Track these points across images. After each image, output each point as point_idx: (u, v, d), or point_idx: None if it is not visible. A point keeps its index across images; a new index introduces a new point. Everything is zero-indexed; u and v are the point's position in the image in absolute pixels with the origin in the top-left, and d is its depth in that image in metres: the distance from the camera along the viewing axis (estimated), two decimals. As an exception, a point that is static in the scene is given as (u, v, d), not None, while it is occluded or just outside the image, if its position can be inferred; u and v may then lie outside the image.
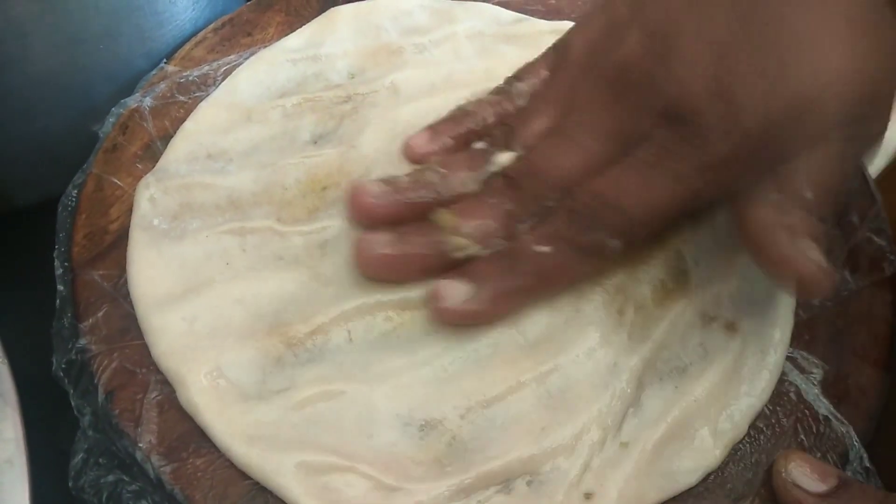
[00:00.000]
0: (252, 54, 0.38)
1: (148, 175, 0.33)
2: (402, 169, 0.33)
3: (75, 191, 0.34)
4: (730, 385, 0.29)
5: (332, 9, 0.39)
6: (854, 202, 0.35)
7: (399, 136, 0.34)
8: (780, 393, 0.30)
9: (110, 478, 0.27)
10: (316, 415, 0.27)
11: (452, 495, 0.26)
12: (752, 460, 0.28)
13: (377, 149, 0.34)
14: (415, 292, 0.30)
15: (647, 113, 0.28)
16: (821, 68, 0.26)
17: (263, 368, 0.28)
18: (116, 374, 0.29)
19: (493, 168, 0.31)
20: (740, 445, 0.29)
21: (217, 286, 0.30)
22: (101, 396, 0.28)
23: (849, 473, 0.28)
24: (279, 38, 0.39)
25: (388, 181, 0.31)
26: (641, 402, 0.29)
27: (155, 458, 0.27)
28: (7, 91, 0.35)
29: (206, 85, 0.37)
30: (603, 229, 0.28)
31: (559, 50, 0.33)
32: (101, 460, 0.28)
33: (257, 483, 0.27)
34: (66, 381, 0.29)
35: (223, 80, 0.37)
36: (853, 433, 0.29)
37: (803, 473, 0.27)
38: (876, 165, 0.37)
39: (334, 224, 0.32)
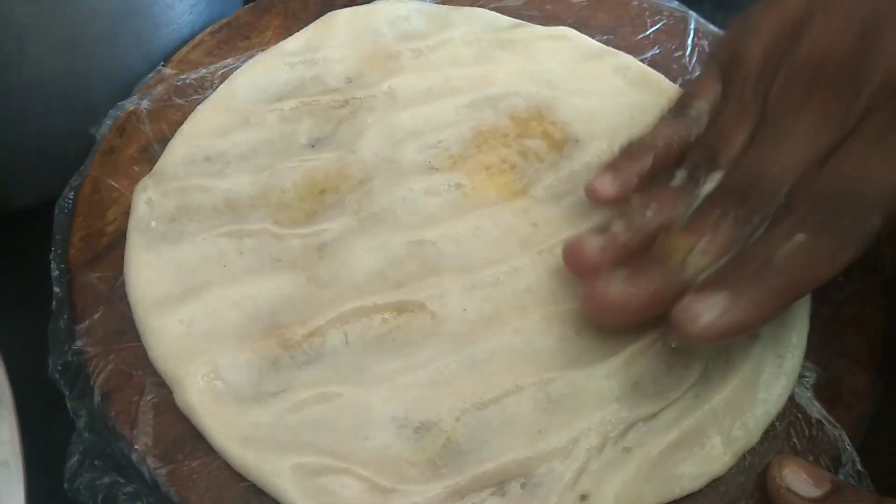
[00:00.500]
0: (249, 58, 0.38)
1: (145, 178, 0.33)
2: (403, 175, 0.33)
3: (72, 193, 0.34)
4: (746, 392, 0.29)
5: (330, 13, 0.40)
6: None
7: (398, 141, 0.34)
8: (773, 397, 0.30)
9: (106, 480, 0.27)
10: (312, 417, 0.28)
11: (447, 497, 0.26)
12: (746, 464, 0.28)
13: (376, 153, 0.34)
14: (411, 295, 0.31)
15: (859, 92, 0.28)
16: None
17: (260, 370, 0.29)
18: (112, 376, 0.29)
19: (703, 192, 0.29)
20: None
21: (214, 289, 0.30)
22: (97, 398, 0.28)
23: (841, 477, 0.28)
24: (277, 42, 0.39)
25: (602, 231, 0.29)
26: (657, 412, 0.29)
27: (151, 461, 0.27)
28: (4, 93, 0.35)
29: (203, 88, 0.37)
30: (857, 207, 0.26)
31: (730, 59, 0.31)
32: (96, 462, 0.28)
33: (253, 485, 0.27)
34: (62, 382, 0.29)
35: (220, 83, 0.37)
36: (846, 437, 0.29)
37: (797, 478, 0.27)
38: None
39: (332, 227, 0.32)
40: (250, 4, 0.41)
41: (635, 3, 0.42)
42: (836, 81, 0.28)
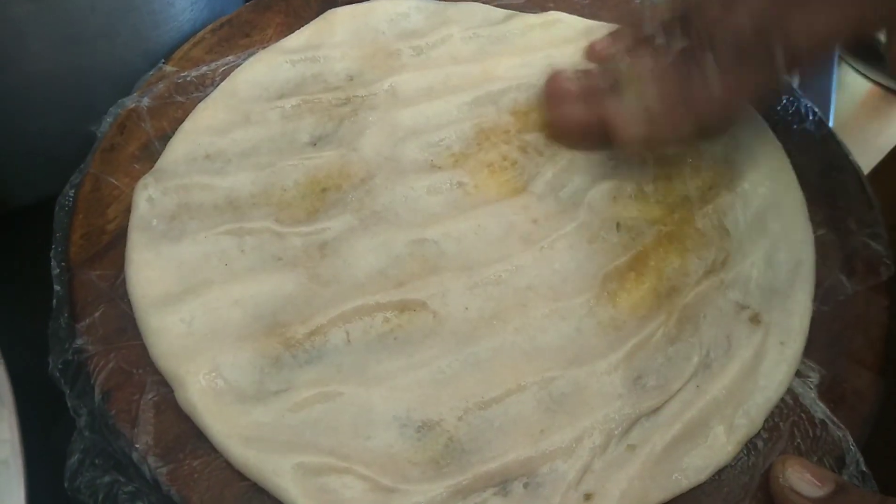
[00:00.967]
0: (250, 55, 0.38)
1: (146, 175, 0.33)
2: (405, 174, 0.33)
3: (72, 191, 0.34)
4: (748, 380, 0.30)
5: (330, 11, 0.39)
6: (851, 208, 0.35)
7: (400, 140, 0.34)
8: (777, 397, 0.30)
9: (106, 479, 0.27)
10: (313, 416, 0.27)
11: (449, 496, 0.26)
12: (749, 463, 0.28)
13: (378, 152, 0.34)
14: (413, 294, 0.30)
15: None
16: None
17: (262, 369, 0.28)
18: (113, 375, 0.29)
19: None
20: (737, 448, 0.29)
21: (215, 287, 0.30)
22: (97, 397, 0.28)
23: (845, 477, 0.28)
24: (278, 40, 0.39)
25: (581, 71, 0.36)
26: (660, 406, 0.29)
27: (151, 460, 0.27)
28: (4, 91, 0.35)
29: (203, 85, 0.37)
30: (763, 44, 0.30)
31: None
32: (97, 461, 0.28)
33: (254, 484, 0.27)
34: (63, 381, 0.29)
35: (221, 80, 0.37)
36: (849, 437, 0.29)
37: (801, 478, 0.27)
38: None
39: (334, 225, 0.32)
40: (252, 2, 0.41)
41: (637, 0, 0.42)
42: None
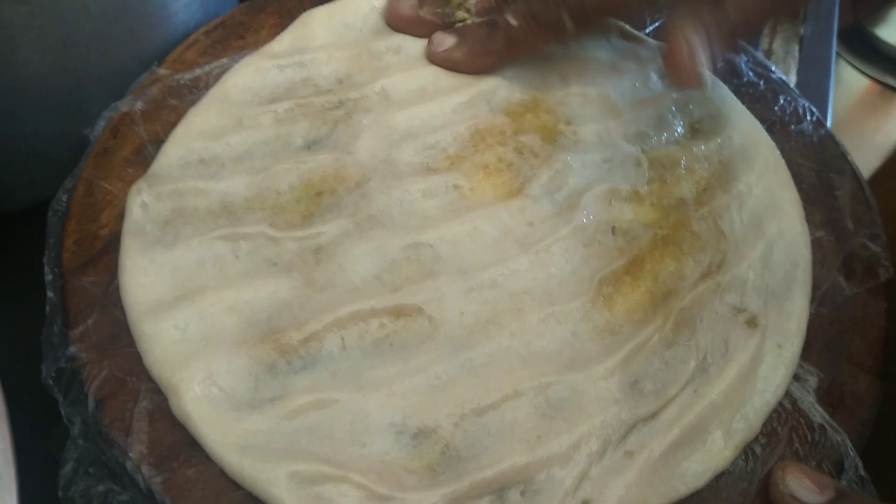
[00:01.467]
0: (244, 57, 0.38)
1: (140, 181, 0.32)
2: (400, 177, 0.33)
3: (65, 196, 0.33)
4: (745, 384, 0.29)
5: (306, 13, 0.39)
6: (849, 208, 0.35)
7: (395, 143, 0.34)
8: (776, 401, 0.30)
9: (100, 487, 0.27)
10: (308, 424, 0.27)
11: (446, 504, 0.26)
12: (747, 469, 0.28)
13: (374, 155, 0.34)
14: (408, 299, 0.30)
15: None
16: None
17: (256, 376, 0.28)
18: (106, 383, 0.28)
19: None
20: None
21: (210, 293, 0.30)
22: (91, 405, 0.28)
23: (844, 482, 0.28)
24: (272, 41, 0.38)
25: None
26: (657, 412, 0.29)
27: (145, 468, 0.27)
28: (-3, 94, 0.34)
29: (197, 88, 0.37)
30: (562, 7, 0.34)
31: None
32: (91, 469, 0.28)
33: (249, 493, 0.26)
34: (56, 389, 0.29)
35: (215, 83, 0.37)
36: (848, 442, 0.29)
37: (801, 485, 0.27)
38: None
39: (329, 230, 0.32)
40: (245, 3, 0.40)
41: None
42: None
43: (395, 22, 0.38)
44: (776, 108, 0.39)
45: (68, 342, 0.29)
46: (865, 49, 0.84)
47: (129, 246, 0.31)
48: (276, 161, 0.33)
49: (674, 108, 0.37)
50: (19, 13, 0.32)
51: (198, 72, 0.37)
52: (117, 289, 0.30)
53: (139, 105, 0.36)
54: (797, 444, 0.29)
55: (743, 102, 0.38)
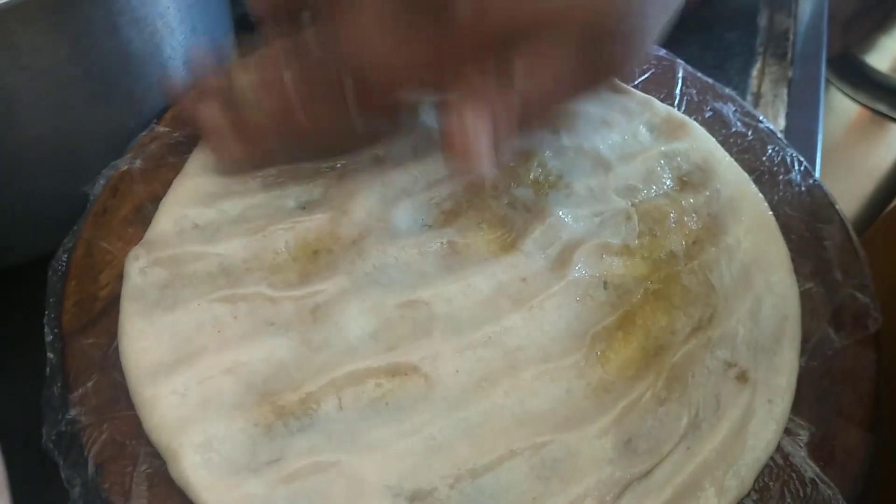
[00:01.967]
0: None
1: (137, 247, 0.33)
2: (396, 234, 0.34)
3: (65, 255, 0.34)
4: (737, 440, 0.30)
5: None
6: (837, 259, 0.36)
7: (390, 201, 0.35)
8: (767, 456, 0.30)
9: (100, 551, 0.27)
10: (306, 488, 0.27)
11: (443, 568, 0.26)
12: (741, 526, 0.29)
13: (369, 213, 0.34)
14: (403, 357, 0.31)
15: None
16: None
17: (254, 439, 0.28)
18: (106, 447, 0.29)
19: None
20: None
21: (208, 356, 0.30)
22: (90, 469, 0.28)
23: (836, 538, 0.28)
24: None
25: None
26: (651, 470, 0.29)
27: (145, 534, 0.27)
28: (-5, 155, 0.35)
29: (196, 145, 0.37)
30: (343, 74, 0.31)
31: None
32: (90, 533, 0.28)
33: (247, 558, 0.27)
34: (57, 452, 0.29)
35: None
36: (840, 497, 0.29)
37: None
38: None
39: (326, 288, 0.32)
40: (240, 60, 0.41)
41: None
42: None
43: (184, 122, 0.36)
44: (764, 159, 0.39)
45: (68, 405, 0.30)
46: (855, 76, 0.85)
47: (128, 310, 0.31)
48: (271, 221, 0.34)
49: (662, 162, 0.38)
50: (21, 79, 0.33)
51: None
52: (116, 351, 0.31)
53: (138, 163, 0.36)
54: (789, 500, 0.29)
55: (731, 153, 0.39)
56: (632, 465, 0.29)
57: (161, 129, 0.38)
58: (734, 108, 0.41)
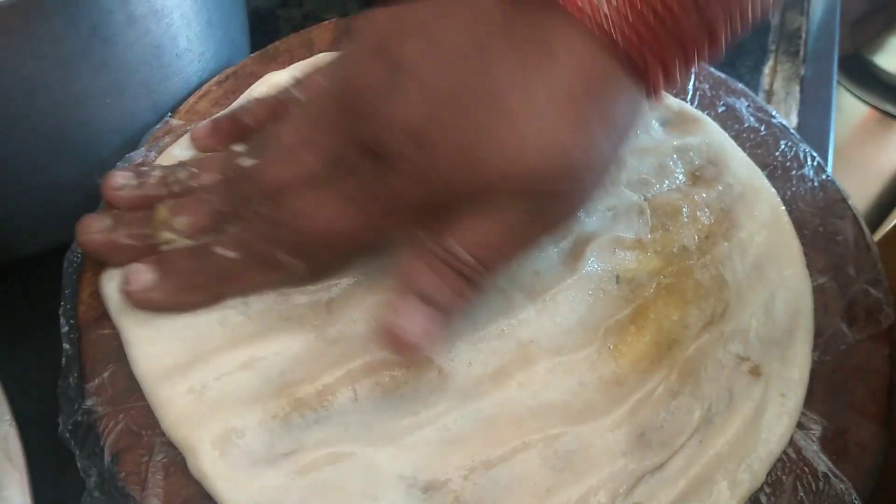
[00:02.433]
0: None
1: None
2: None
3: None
4: (749, 434, 0.30)
5: (269, 74, 0.39)
6: (850, 254, 0.36)
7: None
8: (780, 450, 0.30)
9: (116, 540, 0.28)
10: (322, 478, 0.28)
11: (457, 558, 0.27)
12: (753, 520, 0.29)
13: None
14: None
15: (357, 143, 0.28)
16: (516, 144, 0.26)
17: (272, 431, 0.29)
18: (122, 436, 0.29)
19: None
20: (741, 505, 0.29)
21: (224, 353, 0.30)
22: (107, 458, 0.28)
23: (848, 532, 0.28)
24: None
25: (139, 171, 0.33)
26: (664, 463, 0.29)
27: (161, 523, 0.27)
28: (14, 146, 0.35)
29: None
30: (279, 245, 0.30)
31: (318, 70, 0.35)
32: (107, 523, 0.28)
33: (265, 548, 0.27)
34: (73, 442, 0.29)
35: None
36: (853, 491, 0.29)
37: None
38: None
39: (340, 282, 0.32)
40: (256, 53, 0.41)
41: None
42: (353, 126, 0.28)
43: (86, 250, 0.32)
44: (777, 154, 0.39)
45: (84, 395, 0.30)
46: (865, 76, 0.85)
47: (125, 323, 0.31)
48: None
49: (675, 156, 0.38)
50: (38, 69, 0.33)
51: (210, 122, 0.38)
52: (132, 342, 0.31)
53: (153, 156, 0.36)
54: (802, 494, 0.29)
55: (744, 148, 0.39)
56: (645, 458, 0.29)
57: (175, 121, 0.38)
58: (747, 104, 0.41)
